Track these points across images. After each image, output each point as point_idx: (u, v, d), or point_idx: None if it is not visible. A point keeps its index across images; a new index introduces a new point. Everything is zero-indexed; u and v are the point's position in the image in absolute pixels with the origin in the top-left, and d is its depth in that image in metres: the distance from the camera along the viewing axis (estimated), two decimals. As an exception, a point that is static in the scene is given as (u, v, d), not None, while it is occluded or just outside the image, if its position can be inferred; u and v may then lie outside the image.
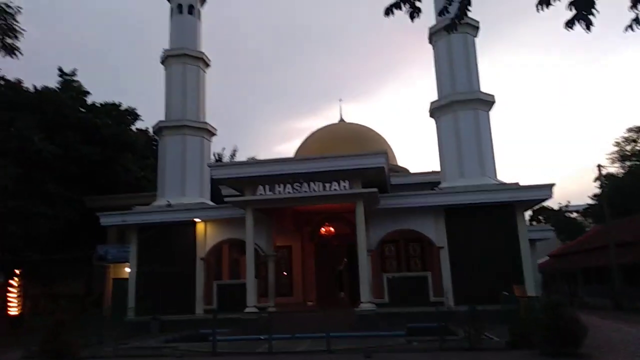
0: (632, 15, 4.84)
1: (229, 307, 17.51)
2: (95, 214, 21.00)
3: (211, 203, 21.86)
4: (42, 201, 22.93)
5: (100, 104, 30.26)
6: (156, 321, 18.41)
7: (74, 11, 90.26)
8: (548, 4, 5.05)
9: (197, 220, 19.97)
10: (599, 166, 26.41)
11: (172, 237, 20.00)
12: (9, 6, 11.73)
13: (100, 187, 27.66)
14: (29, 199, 22.40)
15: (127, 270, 20.76)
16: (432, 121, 21.10)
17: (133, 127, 32.37)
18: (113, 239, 26.02)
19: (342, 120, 32.34)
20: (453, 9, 6.03)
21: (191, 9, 23.01)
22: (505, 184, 19.01)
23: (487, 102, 19.96)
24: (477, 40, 21.07)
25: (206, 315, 17.94)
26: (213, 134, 22.85)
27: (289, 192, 17.10)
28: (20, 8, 11.84)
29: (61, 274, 25.50)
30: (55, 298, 25.37)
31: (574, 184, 76.32)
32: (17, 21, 12.00)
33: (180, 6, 22.87)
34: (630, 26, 4.91)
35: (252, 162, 26.01)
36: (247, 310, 16.44)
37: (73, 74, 29.92)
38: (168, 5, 23.40)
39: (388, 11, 5.65)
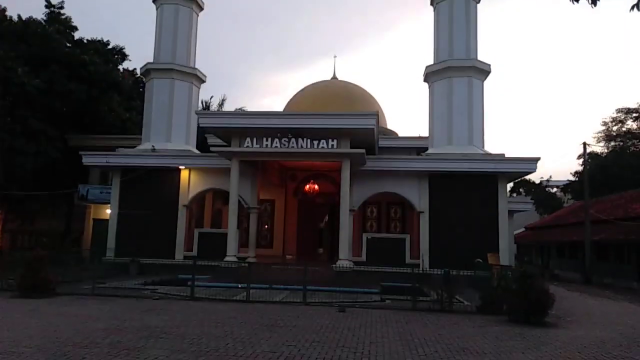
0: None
1: (209, 254, 17.71)
2: (78, 152, 20.72)
3: (197, 151, 21.68)
4: (24, 137, 22.44)
5: (88, 40, 29.22)
6: (135, 263, 18.57)
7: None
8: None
9: (181, 167, 19.84)
10: (585, 144, 26.70)
11: (155, 182, 19.90)
12: None
13: (84, 126, 27.14)
14: (11, 133, 21.89)
15: (108, 211, 20.72)
16: (426, 86, 20.96)
17: (120, 67, 31.48)
18: (95, 179, 25.83)
19: (334, 77, 31.87)
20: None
21: (187, -52, 21.94)
22: (491, 154, 19.16)
23: (483, 71, 19.80)
24: (479, 6, 20.67)
25: (185, 261, 18.15)
26: (202, 81, 22.36)
27: (276, 147, 17.02)
28: None
29: (41, 211, 25.35)
30: (34, 234, 25.33)
31: (557, 159, 77.36)
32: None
33: (175, -56, 21.77)
34: (637, 5, 4.84)
35: (242, 113, 25.71)
36: (226, 258, 16.66)
37: (60, 6, 28.67)
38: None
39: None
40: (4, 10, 25.80)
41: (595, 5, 5.03)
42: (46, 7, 28.54)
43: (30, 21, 25.94)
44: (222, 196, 21.45)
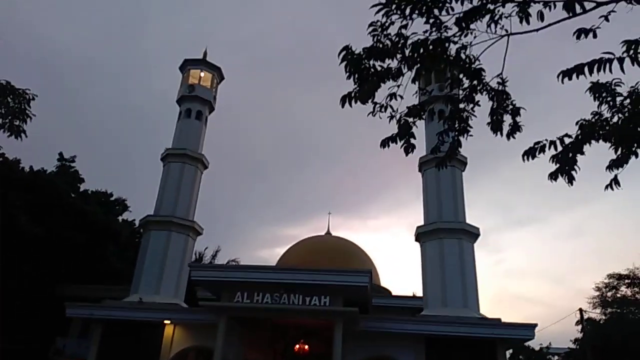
0: (611, 175, 5.29)
1: None
2: (63, 302, 19.97)
3: (184, 305, 21.01)
4: (13, 282, 21.90)
5: (92, 192, 30.42)
6: None
7: (83, 100, 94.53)
8: (534, 156, 5.51)
9: (167, 321, 19.01)
10: (581, 310, 26.20)
11: (138, 337, 18.82)
12: (25, 92, 12.46)
13: (75, 275, 26.66)
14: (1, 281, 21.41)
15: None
16: (417, 245, 21.28)
17: (120, 218, 32.22)
18: (76, 331, 24.44)
19: (328, 232, 32.55)
20: (445, 147, 6.52)
21: (199, 115, 24.18)
22: (487, 318, 18.66)
23: (472, 233, 20.31)
24: (465, 173, 22.09)
25: None
26: (199, 233, 22.69)
27: (267, 302, 16.58)
28: (36, 95, 12.52)
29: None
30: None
31: (555, 324, 74.92)
32: (29, 106, 12.60)
33: (189, 111, 24.05)
34: (610, 185, 5.33)
35: (234, 267, 25.60)
36: None
37: (72, 160, 30.47)
38: (177, 108, 24.62)
39: (384, 144, 6.07)
40: (18, 161, 27.30)
41: (571, 184, 5.49)
42: (58, 160, 30.30)
43: (40, 173, 27.30)
44: (205, 354, 20.15)
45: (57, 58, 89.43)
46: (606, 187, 5.46)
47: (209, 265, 30.36)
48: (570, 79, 5.18)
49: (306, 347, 20.42)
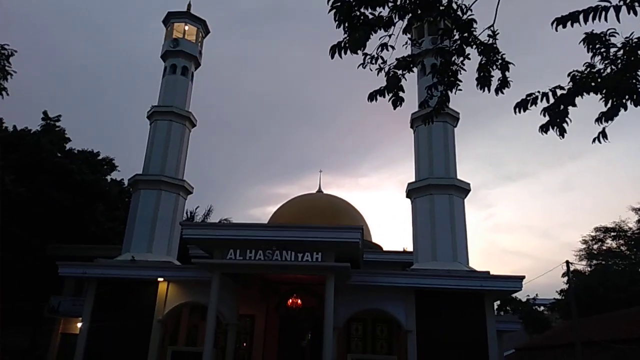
0: (599, 128, 5.20)
1: (181, 376, 16.47)
2: (55, 262, 20.08)
3: (177, 262, 21.20)
4: (3, 245, 21.90)
5: (78, 151, 29.97)
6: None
7: (67, 57, 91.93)
8: (525, 109, 5.39)
9: (160, 279, 19.22)
10: (567, 262, 26.80)
11: (132, 295, 19.08)
12: (4, 48, 11.91)
13: (64, 235, 26.70)
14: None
15: (79, 325, 19.56)
16: (408, 201, 21.42)
17: (108, 177, 31.94)
18: (70, 290, 24.75)
19: (320, 190, 32.60)
20: (434, 101, 6.39)
21: (184, 71, 23.56)
22: (476, 271, 19.04)
23: (463, 189, 20.43)
24: (457, 129, 21.96)
25: (156, 383, 16.80)
26: (189, 192, 22.61)
27: (260, 259, 16.74)
28: (15, 51, 11.98)
29: (6, 323, 23.88)
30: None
31: (542, 277, 77.19)
32: (9, 63, 12.10)
33: (174, 66, 23.42)
34: (598, 138, 5.26)
35: (225, 225, 25.68)
36: (200, 381, 15.48)
37: (57, 119, 29.81)
38: (162, 64, 23.95)
39: (371, 97, 5.91)
40: (1, 120, 26.68)
41: (562, 137, 5.41)
42: (43, 119, 29.62)
43: (25, 132, 26.75)
44: (199, 310, 20.56)
45: (37, 10, 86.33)
46: (594, 139, 5.39)
47: (201, 223, 30.46)
48: (564, 26, 5.00)
49: (299, 301, 20.84)
